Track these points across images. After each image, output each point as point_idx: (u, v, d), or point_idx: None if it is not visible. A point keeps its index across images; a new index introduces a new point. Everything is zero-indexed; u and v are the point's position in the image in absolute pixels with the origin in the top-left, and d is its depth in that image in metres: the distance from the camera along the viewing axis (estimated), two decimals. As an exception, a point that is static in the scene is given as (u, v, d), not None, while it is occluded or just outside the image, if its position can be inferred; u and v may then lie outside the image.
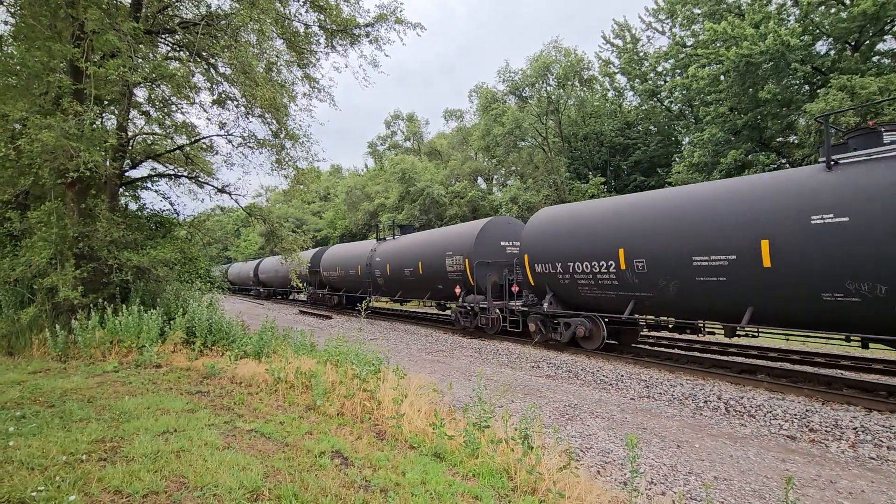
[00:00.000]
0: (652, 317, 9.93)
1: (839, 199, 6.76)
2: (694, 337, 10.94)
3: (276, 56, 10.34)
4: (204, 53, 9.67)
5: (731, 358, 10.41)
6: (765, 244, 7.44)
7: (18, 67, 8.80)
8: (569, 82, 30.17)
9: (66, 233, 8.77)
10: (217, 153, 11.92)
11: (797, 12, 19.95)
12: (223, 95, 10.61)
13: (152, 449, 3.88)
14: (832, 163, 7.11)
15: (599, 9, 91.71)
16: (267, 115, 10.26)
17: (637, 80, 28.53)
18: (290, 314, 23.00)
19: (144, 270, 9.33)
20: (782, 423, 6.17)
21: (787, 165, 20.33)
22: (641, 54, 29.18)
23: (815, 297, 7.02)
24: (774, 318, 7.73)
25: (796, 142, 20.95)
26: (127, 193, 11.83)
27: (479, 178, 41.42)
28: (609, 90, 32.71)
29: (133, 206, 11.89)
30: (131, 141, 10.35)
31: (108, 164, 9.25)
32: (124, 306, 8.85)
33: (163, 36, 10.14)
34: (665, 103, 28.70)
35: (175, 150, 11.16)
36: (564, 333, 11.05)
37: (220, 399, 5.71)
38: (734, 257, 7.80)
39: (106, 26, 7.80)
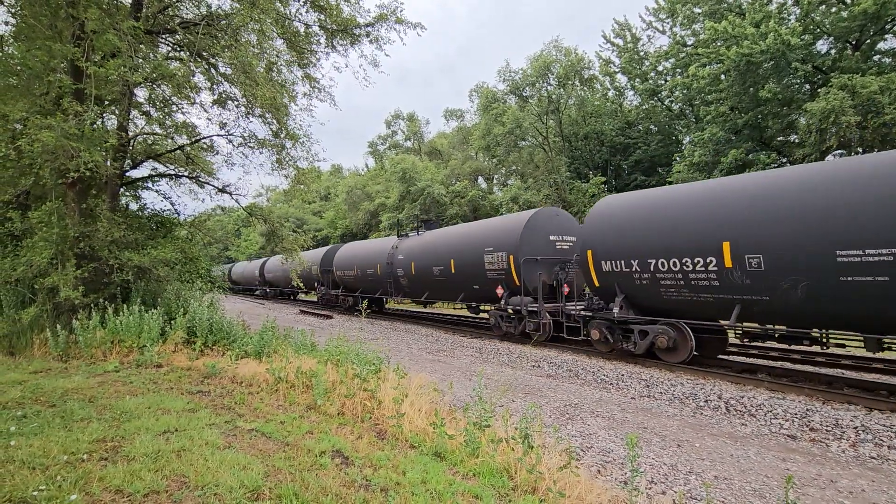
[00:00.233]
0: (755, 325, 8.30)
1: None
2: (809, 349, 9.61)
3: (277, 56, 10.35)
4: (204, 53, 9.68)
5: (733, 358, 10.39)
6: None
7: (19, 67, 8.81)
8: (569, 82, 30.16)
9: (67, 233, 8.78)
10: (217, 153, 11.95)
11: (798, 11, 19.95)
12: (223, 95, 10.62)
13: (153, 448, 3.88)
14: None
15: (600, 8, 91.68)
16: (267, 115, 10.27)
17: (637, 80, 28.53)
18: (290, 314, 23.01)
19: (145, 270, 9.33)
20: (783, 422, 6.16)
21: (788, 165, 20.32)
22: (642, 54, 29.19)
23: None
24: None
25: (797, 141, 20.94)
26: (128, 193, 11.85)
27: (479, 177, 41.42)
28: (609, 90, 32.72)
29: (134, 206, 11.92)
30: (132, 141, 10.36)
31: (108, 164, 9.26)
32: (125, 306, 8.86)
33: (163, 36, 10.15)
34: (665, 103, 28.69)
35: (176, 150, 11.17)
36: (639, 343, 9.41)
37: (220, 399, 5.71)
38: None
39: (106, 26, 7.81)
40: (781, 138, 21.88)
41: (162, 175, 11.76)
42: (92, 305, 8.83)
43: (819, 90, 17.99)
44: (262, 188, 70.37)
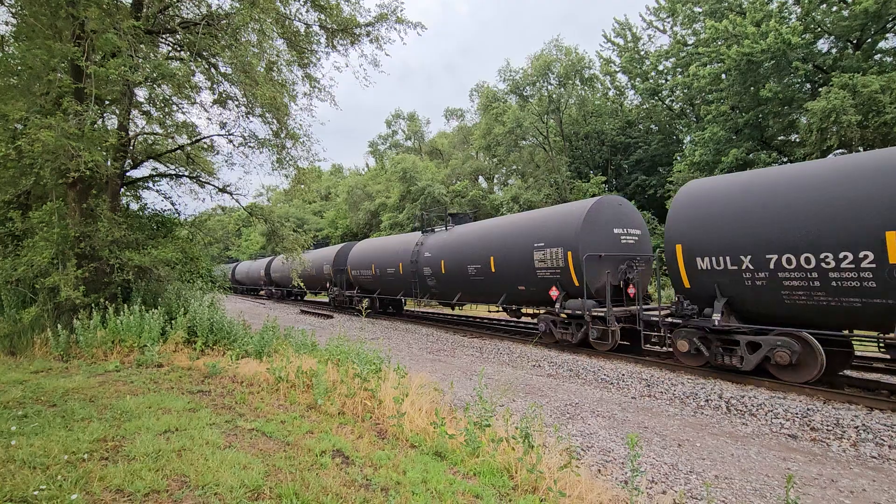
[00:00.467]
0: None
1: None
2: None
3: (277, 55, 10.35)
4: (204, 53, 9.67)
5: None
6: None
7: (19, 67, 8.82)
8: (570, 81, 30.16)
9: (68, 233, 8.79)
10: (218, 153, 11.95)
11: (798, 10, 19.92)
12: (224, 95, 10.62)
13: (154, 448, 3.88)
14: None
15: (600, 8, 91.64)
16: (268, 115, 10.27)
17: (638, 79, 28.52)
18: (291, 314, 23.02)
19: (146, 270, 9.34)
20: (783, 421, 6.16)
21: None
22: (642, 53, 29.18)
23: None
24: None
25: (798, 140, 20.92)
26: (128, 193, 11.85)
27: (479, 177, 41.42)
28: (610, 89, 32.71)
29: (134, 206, 11.92)
30: (132, 141, 10.37)
31: (109, 164, 9.27)
32: (126, 306, 8.87)
33: (163, 36, 10.15)
34: (666, 102, 28.68)
35: (176, 149, 11.18)
36: (748, 358, 7.80)
37: (221, 398, 5.72)
38: None
39: (106, 25, 7.81)
40: (782, 138, 21.88)
41: (162, 175, 11.77)
42: (93, 305, 8.84)
43: (820, 89, 17.98)
44: (263, 188, 70.55)
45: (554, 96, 30.49)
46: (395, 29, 11.05)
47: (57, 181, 8.85)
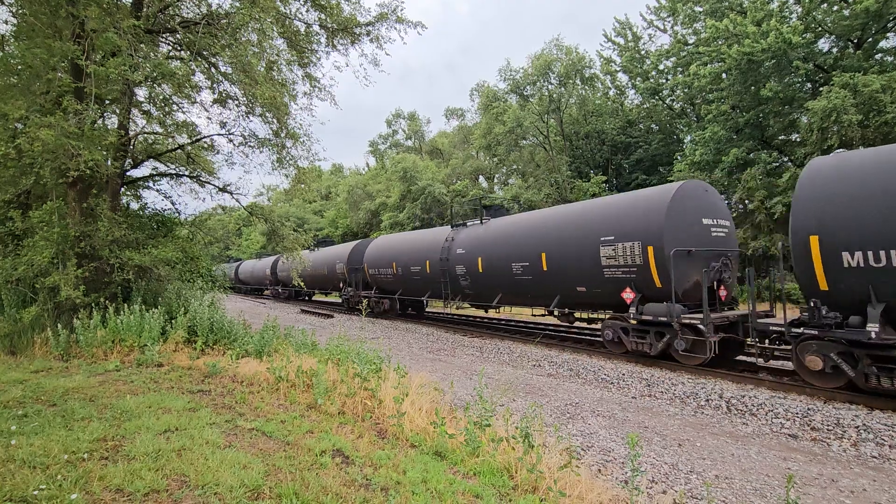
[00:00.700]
0: None
1: None
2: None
3: (277, 55, 10.35)
4: (205, 52, 9.67)
5: None
6: None
7: (20, 67, 8.82)
8: (570, 81, 30.15)
9: (68, 232, 8.79)
10: (218, 152, 11.95)
11: (799, 10, 19.90)
12: (224, 94, 10.61)
13: (154, 448, 3.88)
14: None
15: (601, 7, 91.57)
16: (268, 115, 10.27)
17: (638, 79, 28.50)
18: (291, 313, 23.03)
19: (146, 270, 9.35)
20: (784, 421, 6.15)
21: (790, 164, 20.29)
22: (643, 52, 29.15)
23: None
24: None
25: (798, 140, 20.90)
26: (128, 193, 11.85)
27: (480, 176, 41.42)
28: (610, 88, 32.69)
29: (135, 206, 11.93)
30: (132, 140, 10.37)
31: (109, 163, 9.27)
32: (126, 305, 8.87)
33: (164, 35, 10.14)
34: (667, 101, 28.66)
35: (176, 149, 11.18)
36: None
37: (221, 398, 5.72)
38: None
39: (106, 25, 7.80)
40: (783, 137, 21.85)
41: (163, 174, 11.77)
42: (93, 305, 8.85)
43: (821, 89, 17.95)
44: (263, 187, 70.57)
45: (554, 96, 30.48)
46: (396, 28, 11.05)
47: (57, 180, 8.85)
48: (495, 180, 41.26)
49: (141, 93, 10.53)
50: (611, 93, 32.69)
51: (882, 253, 6.30)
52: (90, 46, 8.12)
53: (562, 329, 14.78)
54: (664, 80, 27.34)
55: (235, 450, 3.95)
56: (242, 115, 10.77)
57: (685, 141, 27.22)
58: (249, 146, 11.24)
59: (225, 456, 3.76)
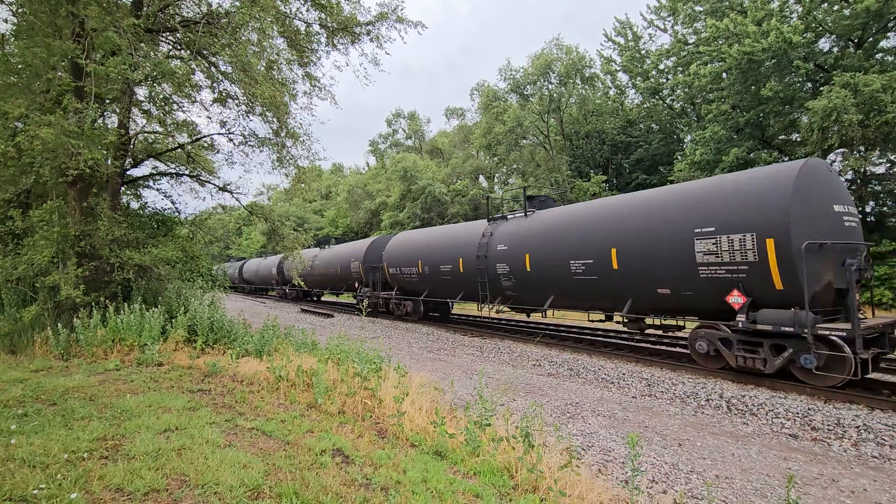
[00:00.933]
0: None
1: None
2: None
3: (277, 54, 10.33)
4: (205, 52, 9.66)
5: None
6: None
7: (20, 66, 8.82)
8: (570, 80, 30.15)
9: (68, 231, 8.79)
10: (218, 152, 11.95)
11: (800, 9, 19.88)
12: (224, 94, 10.61)
13: (154, 447, 3.88)
14: None
15: (601, 7, 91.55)
16: (268, 114, 10.26)
17: (639, 78, 28.49)
18: (292, 313, 23.03)
19: (146, 269, 9.34)
20: (784, 421, 6.15)
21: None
22: (643, 52, 29.15)
23: None
24: None
25: (799, 140, 20.89)
26: (128, 192, 11.85)
27: (480, 176, 41.42)
28: (611, 88, 32.69)
29: (135, 205, 11.92)
30: (132, 139, 10.36)
31: (109, 162, 9.27)
32: (126, 305, 8.86)
33: (164, 34, 10.14)
34: (667, 101, 28.65)
35: (176, 148, 11.18)
36: None
37: (221, 397, 5.72)
38: None
39: (106, 24, 7.79)
40: (783, 137, 21.84)
41: (163, 174, 11.77)
42: (93, 304, 8.84)
43: (821, 88, 17.93)
44: (263, 187, 70.64)
45: (554, 95, 30.47)
46: (396, 28, 11.04)
47: (57, 180, 8.84)
48: (495, 180, 41.27)
49: (141, 92, 10.54)
50: (611, 92, 32.69)
51: None
52: (90, 45, 8.11)
53: (562, 329, 14.81)
54: (664, 80, 27.34)
55: (235, 449, 3.95)
56: (242, 115, 10.78)
57: (685, 140, 27.20)
58: (249, 145, 11.25)
59: (225, 455, 3.76)
